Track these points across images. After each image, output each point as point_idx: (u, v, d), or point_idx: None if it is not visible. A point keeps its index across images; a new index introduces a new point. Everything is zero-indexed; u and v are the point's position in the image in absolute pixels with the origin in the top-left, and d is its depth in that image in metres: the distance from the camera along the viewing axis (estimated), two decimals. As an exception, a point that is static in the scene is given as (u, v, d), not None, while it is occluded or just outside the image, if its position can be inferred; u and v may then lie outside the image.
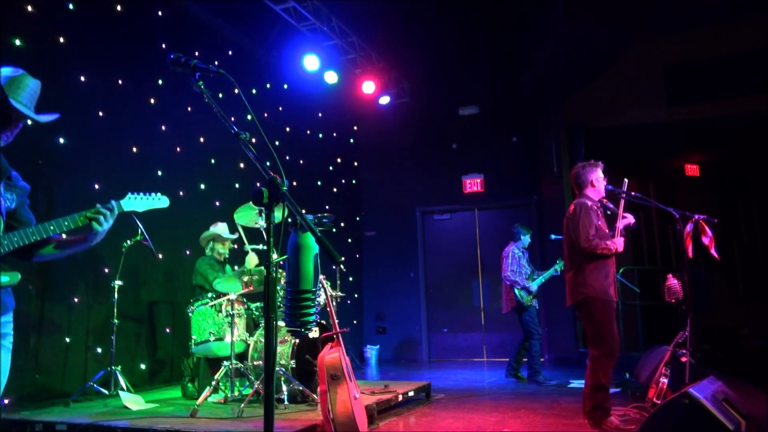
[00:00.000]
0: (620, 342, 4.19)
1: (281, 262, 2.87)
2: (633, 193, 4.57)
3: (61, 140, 5.22)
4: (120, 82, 5.86)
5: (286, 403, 4.37)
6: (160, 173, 6.24)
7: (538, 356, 6.62)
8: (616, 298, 4.20)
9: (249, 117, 2.06)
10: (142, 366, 5.81)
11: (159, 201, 2.87)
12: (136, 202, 2.74)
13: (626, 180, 4.45)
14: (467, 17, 9.67)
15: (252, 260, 5.20)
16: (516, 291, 6.63)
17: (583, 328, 4.19)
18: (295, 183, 8.16)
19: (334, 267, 6.11)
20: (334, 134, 9.94)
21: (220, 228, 5.59)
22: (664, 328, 6.71)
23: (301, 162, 8.75)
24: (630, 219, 4.34)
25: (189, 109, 6.64)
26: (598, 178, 4.37)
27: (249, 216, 5.02)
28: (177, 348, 6.08)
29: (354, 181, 10.45)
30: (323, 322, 4.86)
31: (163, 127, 6.34)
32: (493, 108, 9.81)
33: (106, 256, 5.48)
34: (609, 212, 4.48)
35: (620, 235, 4.22)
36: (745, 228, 9.73)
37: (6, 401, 4.46)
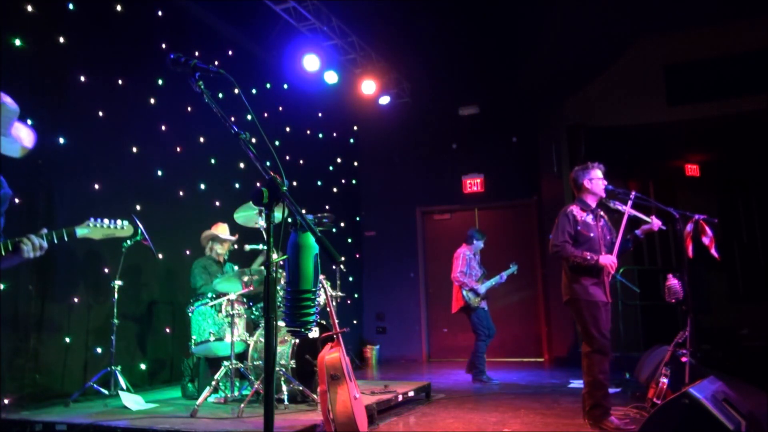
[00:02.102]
0: (611, 340, 4.19)
1: (281, 262, 2.87)
2: (633, 194, 4.57)
3: (61, 140, 5.22)
4: (120, 82, 5.86)
5: (286, 403, 4.37)
6: (160, 173, 6.24)
7: (482, 357, 6.70)
8: (605, 299, 4.21)
9: (249, 117, 2.06)
10: (142, 366, 5.81)
11: (121, 230, 2.83)
12: (92, 230, 2.72)
13: (633, 192, 4.39)
14: (467, 17, 9.66)
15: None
16: (464, 292, 6.70)
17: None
18: (295, 183, 8.16)
19: (334, 267, 6.11)
20: (334, 134, 9.94)
21: (221, 229, 5.60)
22: (664, 328, 6.70)
23: (301, 162, 8.75)
24: (653, 224, 4.28)
25: (189, 109, 6.64)
26: (592, 179, 4.34)
27: (249, 216, 5.02)
28: (177, 348, 6.07)
29: (354, 181, 10.45)
30: (323, 322, 4.86)
31: (163, 127, 6.33)
32: (493, 108, 9.81)
33: (106, 256, 5.48)
34: (615, 214, 4.45)
35: (618, 251, 4.22)
36: (745, 228, 9.72)
37: (6, 401, 4.46)
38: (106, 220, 2.74)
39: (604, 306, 4.19)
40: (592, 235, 4.26)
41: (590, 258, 4.12)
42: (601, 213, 4.44)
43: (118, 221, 2.77)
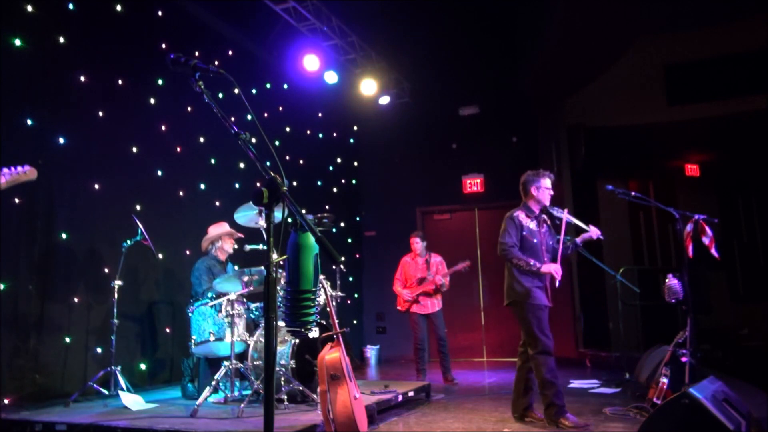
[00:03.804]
0: (553, 340, 4.34)
1: (281, 262, 2.87)
2: (633, 194, 4.58)
3: (61, 140, 5.22)
4: (120, 82, 5.86)
5: (286, 403, 4.37)
6: (160, 173, 6.24)
7: (423, 357, 6.82)
8: (548, 303, 4.36)
9: (249, 117, 2.06)
10: (142, 366, 5.81)
11: (25, 175, 3.06)
12: None
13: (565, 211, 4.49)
14: (467, 17, 9.68)
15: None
16: None
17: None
18: (295, 183, 8.16)
19: (334, 267, 6.10)
20: (334, 134, 9.94)
21: (225, 226, 5.55)
22: (664, 328, 6.71)
23: (301, 162, 8.75)
24: (592, 232, 4.37)
25: (189, 109, 6.64)
26: (540, 187, 4.48)
27: (249, 216, 5.01)
28: (177, 348, 6.07)
29: (354, 181, 10.45)
30: (323, 322, 4.86)
31: (163, 127, 6.34)
32: (493, 108, 9.81)
33: (106, 256, 5.48)
34: (558, 221, 4.55)
35: (561, 259, 4.36)
36: (745, 228, 9.72)
37: (6, 401, 4.46)
38: (4, 169, 2.87)
39: (546, 309, 4.38)
40: (535, 241, 4.41)
41: (534, 265, 4.26)
42: (545, 218, 4.57)
43: (18, 167, 2.91)
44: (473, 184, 9.80)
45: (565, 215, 4.41)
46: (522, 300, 4.32)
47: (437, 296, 6.81)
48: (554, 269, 4.26)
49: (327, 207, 9.11)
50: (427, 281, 6.75)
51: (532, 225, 4.45)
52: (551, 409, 4.17)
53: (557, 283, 4.35)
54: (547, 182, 4.50)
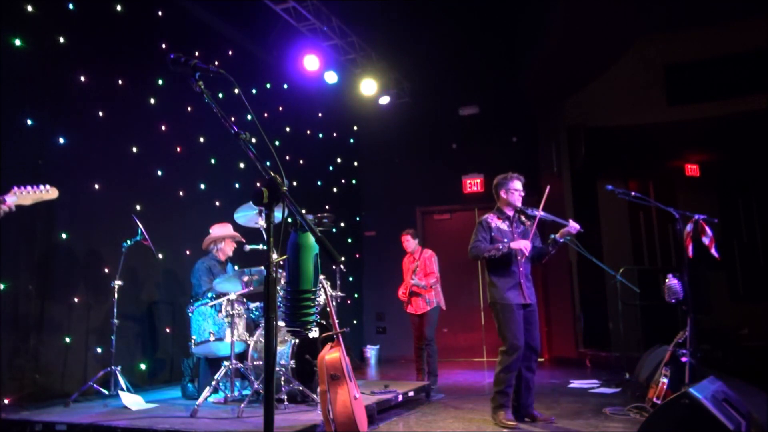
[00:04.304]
0: (522, 342, 4.35)
1: (281, 262, 2.87)
2: (633, 193, 4.58)
3: (61, 140, 5.22)
4: (120, 82, 5.86)
5: (286, 403, 4.37)
6: (160, 173, 6.24)
7: (423, 357, 6.58)
8: (522, 301, 4.41)
9: (249, 117, 2.06)
10: (142, 366, 5.81)
11: (47, 194, 3.20)
12: (20, 198, 3.09)
13: (548, 186, 4.61)
14: (467, 17, 9.67)
15: None
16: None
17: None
18: (295, 183, 8.16)
19: (334, 267, 6.10)
20: (334, 134, 9.94)
21: (230, 228, 5.54)
22: (664, 328, 6.70)
23: (301, 162, 8.75)
24: (571, 226, 4.39)
25: (189, 109, 6.64)
26: (509, 189, 4.57)
27: (249, 216, 5.01)
28: (177, 348, 6.07)
29: (354, 181, 10.45)
30: (323, 322, 4.86)
31: (163, 127, 6.33)
32: (493, 108, 9.81)
33: (106, 256, 5.48)
34: (530, 221, 4.59)
35: (532, 239, 4.46)
36: (745, 228, 9.72)
37: (6, 401, 4.46)
38: (29, 187, 3.05)
39: (519, 309, 4.39)
40: (506, 240, 4.48)
41: (502, 246, 4.39)
42: (522, 219, 4.63)
43: (41, 186, 3.07)
44: (473, 184, 9.80)
45: (539, 213, 4.45)
46: (494, 300, 4.47)
47: (429, 295, 6.45)
48: (523, 245, 4.35)
49: (327, 207, 9.11)
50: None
51: (503, 226, 4.56)
52: (493, 403, 4.40)
53: (521, 257, 4.42)
54: (516, 184, 4.58)
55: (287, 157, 8.41)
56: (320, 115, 9.53)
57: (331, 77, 8.62)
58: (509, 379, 4.33)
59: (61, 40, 5.30)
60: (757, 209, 9.64)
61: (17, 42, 4.88)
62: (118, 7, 5.91)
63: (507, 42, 9.66)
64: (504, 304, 4.39)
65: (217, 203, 6.88)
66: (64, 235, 5.15)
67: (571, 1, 7.27)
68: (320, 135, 9.52)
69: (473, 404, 5.30)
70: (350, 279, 9.76)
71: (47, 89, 5.16)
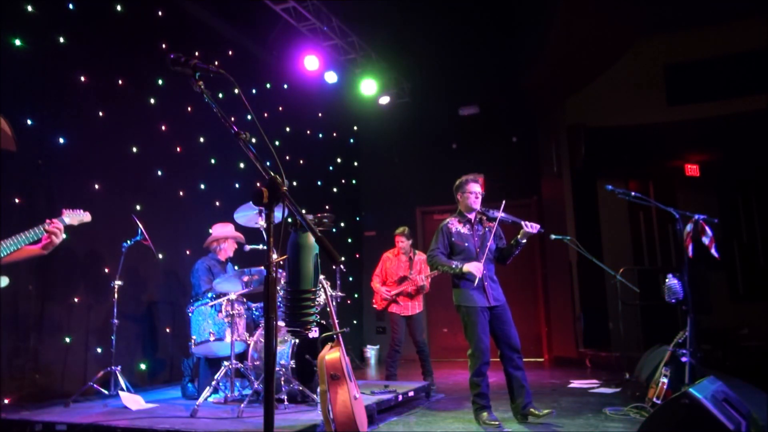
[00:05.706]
0: (487, 344, 4.39)
1: (281, 262, 2.87)
2: (633, 193, 4.58)
3: (61, 140, 5.22)
4: (120, 82, 5.86)
5: (286, 403, 4.37)
6: (160, 173, 6.24)
7: (396, 361, 6.53)
8: (487, 303, 4.41)
9: (249, 117, 2.06)
10: (142, 366, 5.81)
11: (86, 217, 3.35)
12: (71, 218, 3.24)
13: (504, 201, 4.57)
14: (467, 17, 9.67)
15: None
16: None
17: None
18: (295, 183, 8.17)
19: (334, 267, 6.10)
20: (334, 134, 9.94)
21: (232, 228, 5.54)
22: (664, 328, 6.70)
23: (301, 162, 8.75)
24: (532, 228, 4.43)
25: (189, 109, 6.64)
26: (464, 192, 4.57)
27: (249, 216, 5.01)
28: (177, 348, 6.07)
29: (354, 181, 10.45)
30: (323, 322, 4.86)
31: (163, 127, 6.34)
32: (493, 108, 9.80)
33: (106, 256, 5.48)
34: (491, 222, 4.60)
35: (488, 255, 4.47)
36: (745, 228, 9.72)
37: (6, 401, 4.46)
38: (76, 210, 3.25)
39: (484, 311, 4.40)
40: (466, 244, 4.50)
41: (455, 266, 4.40)
42: (485, 221, 4.62)
43: (79, 210, 3.27)
44: (473, 184, 9.79)
45: (499, 214, 4.46)
46: (458, 303, 4.48)
47: (418, 298, 6.31)
48: (474, 268, 4.33)
49: (327, 207, 9.11)
50: (408, 281, 6.28)
51: (464, 230, 4.55)
52: (474, 406, 4.42)
53: (476, 282, 4.35)
54: (472, 187, 4.56)
55: (287, 157, 8.41)
56: (320, 115, 9.53)
57: (331, 77, 8.62)
58: (482, 380, 4.37)
59: (61, 40, 5.31)
60: (757, 209, 9.63)
61: (17, 42, 4.89)
62: (118, 7, 5.91)
63: (507, 42, 9.66)
64: (468, 307, 4.41)
65: (217, 203, 6.88)
66: (64, 235, 5.14)
67: (571, 1, 7.27)
68: (320, 135, 9.52)
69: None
70: (350, 279, 9.76)
71: (47, 89, 5.16)
